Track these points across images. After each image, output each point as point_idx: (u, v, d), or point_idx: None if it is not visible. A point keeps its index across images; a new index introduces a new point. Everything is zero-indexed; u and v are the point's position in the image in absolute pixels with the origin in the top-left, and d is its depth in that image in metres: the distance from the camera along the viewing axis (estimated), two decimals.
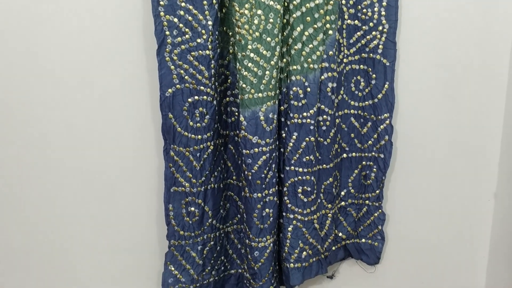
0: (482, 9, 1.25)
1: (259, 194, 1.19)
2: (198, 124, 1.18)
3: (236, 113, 1.23)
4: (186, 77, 1.15)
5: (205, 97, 1.16)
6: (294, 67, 1.15)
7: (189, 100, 1.16)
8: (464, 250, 1.44)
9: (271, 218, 1.21)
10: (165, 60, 1.13)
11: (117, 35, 1.16)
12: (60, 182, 1.25)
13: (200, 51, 1.13)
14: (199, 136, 1.18)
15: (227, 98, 1.23)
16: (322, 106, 1.19)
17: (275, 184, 1.21)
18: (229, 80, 1.22)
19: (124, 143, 1.24)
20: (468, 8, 1.24)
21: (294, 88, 1.17)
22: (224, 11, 1.16)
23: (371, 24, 1.20)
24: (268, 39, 1.11)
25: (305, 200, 1.23)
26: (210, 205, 1.24)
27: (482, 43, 1.27)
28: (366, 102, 1.27)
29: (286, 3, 1.12)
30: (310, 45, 1.14)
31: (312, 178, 1.21)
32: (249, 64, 1.12)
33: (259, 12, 1.09)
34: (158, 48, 1.11)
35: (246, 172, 1.18)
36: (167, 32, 1.11)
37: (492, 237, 1.42)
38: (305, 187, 1.22)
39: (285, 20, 1.14)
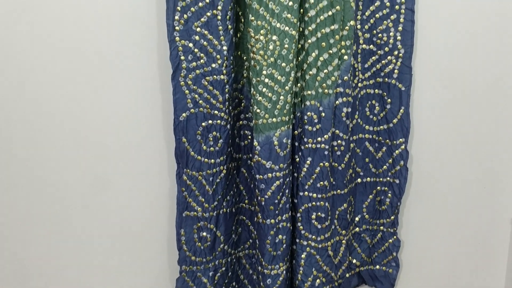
0: (499, 34, 1.23)
1: (272, 220, 1.17)
2: (211, 148, 1.17)
3: (250, 137, 1.22)
4: (200, 101, 1.14)
5: (219, 121, 1.16)
6: (309, 92, 1.14)
7: (203, 124, 1.16)
8: (480, 277, 1.40)
9: (284, 245, 1.19)
10: (179, 85, 1.13)
11: (132, 59, 1.16)
12: (70, 207, 1.24)
13: (214, 76, 1.13)
14: (212, 160, 1.18)
15: (241, 121, 1.23)
16: (337, 131, 1.18)
17: (289, 209, 1.19)
18: (242, 104, 1.21)
19: (137, 167, 1.23)
20: (484, 33, 1.23)
21: (308, 113, 1.16)
22: (238, 35, 1.16)
23: (386, 48, 1.19)
24: (283, 64, 1.10)
25: (319, 226, 1.21)
26: (222, 230, 1.22)
27: (498, 66, 1.25)
28: (381, 127, 1.25)
29: (301, 29, 1.12)
30: (325, 70, 1.13)
31: (326, 204, 1.19)
32: (264, 90, 1.11)
33: (274, 37, 1.09)
34: (173, 73, 1.11)
35: (259, 198, 1.16)
36: (182, 57, 1.11)
37: (508, 265, 1.39)
38: (319, 213, 1.20)
39: (300, 45, 1.13)
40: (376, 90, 1.23)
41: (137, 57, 1.16)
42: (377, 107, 1.24)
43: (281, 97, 1.12)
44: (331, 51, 1.12)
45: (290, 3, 1.07)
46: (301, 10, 1.11)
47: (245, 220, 1.28)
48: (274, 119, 1.13)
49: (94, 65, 1.16)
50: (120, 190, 1.24)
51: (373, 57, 1.21)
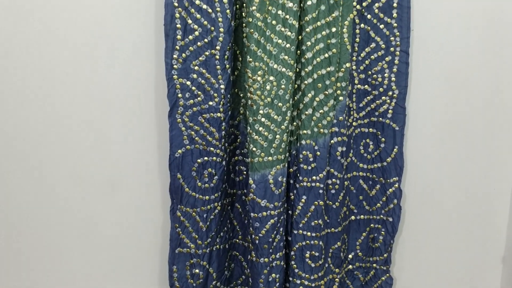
0: (493, 73, 1.25)
1: (266, 259, 1.16)
2: (206, 184, 1.17)
3: (245, 172, 1.22)
4: (196, 138, 1.15)
5: (214, 158, 1.16)
6: (305, 131, 1.15)
7: (199, 160, 1.16)
8: None
9: (278, 284, 1.18)
10: (176, 122, 1.13)
11: (130, 95, 1.18)
12: (65, 234, 1.23)
13: (211, 113, 1.14)
14: (207, 197, 1.17)
15: (236, 157, 1.23)
16: (332, 170, 1.19)
17: (282, 248, 1.19)
18: (238, 140, 1.22)
19: (130, 202, 1.22)
20: (478, 73, 1.25)
21: (304, 152, 1.16)
22: (236, 73, 1.17)
23: (381, 89, 1.21)
24: (280, 104, 1.12)
25: (313, 265, 1.20)
26: (214, 267, 1.21)
27: (491, 108, 1.28)
28: (375, 165, 1.26)
29: (298, 69, 1.14)
30: (321, 111, 1.14)
31: (320, 242, 1.19)
32: (260, 128, 1.12)
33: (272, 78, 1.10)
34: (170, 110, 1.12)
35: (253, 236, 1.16)
36: (180, 95, 1.12)
37: None
38: (313, 252, 1.19)
39: (296, 85, 1.15)
40: (371, 129, 1.25)
41: (135, 94, 1.17)
42: (371, 146, 1.25)
43: (277, 136, 1.13)
44: (327, 92, 1.13)
45: (288, 45, 1.09)
46: (298, 51, 1.13)
47: (238, 255, 1.27)
48: (270, 158, 1.13)
49: (92, 101, 1.17)
50: (113, 225, 1.22)
51: (368, 97, 1.22)
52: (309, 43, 1.10)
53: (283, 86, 1.11)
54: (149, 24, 1.14)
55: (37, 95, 1.19)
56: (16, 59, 1.16)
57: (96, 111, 1.18)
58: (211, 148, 1.15)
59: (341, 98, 1.15)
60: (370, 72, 1.20)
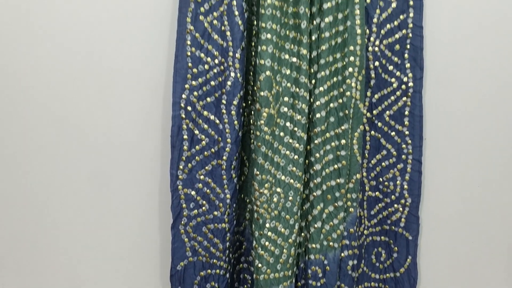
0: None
1: None
2: None
3: (250, 281, 1.16)
4: (199, 249, 1.10)
5: (217, 270, 1.11)
6: (313, 245, 1.10)
7: (201, 273, 1.10)
8: None
9: None
10: (179, 233, 1.09)
11: (132, 216, 1.18)
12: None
13: (216, 224, 1.09)
14: None
15: (241, 265, 1.17)
16: (342, 285, 1.12)
17: None
18: (243, 246, 1.17)
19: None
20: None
21: (312, 267, 1.10)
22: (242, 179, 1.14)
23: (393, 197, 1.16)
24: (287, 217, 1.07)
25: None
26: None
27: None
28: (387, 275, 1.19)
29: (306, 179, 1.11)
30: (331, 223, 1.10)
31: None
32: (266, 243, 1.07)
33: (279, 190, 1.07)
34: (173, 222, 1.08)
35: None
36: (184, 205, 1.09)
37: None
38: None
39: (304, 195, 1.11)
40: (383, 237, 1.19)
41: (137, 208, 1.18)
42: (383, 255, 1.19)
43: (284, 251, 1.08)
44: (336, 204, 1.09)
45: (296, 157, 1.07)
46: (306, 161, 1.10)
47: None
48: (276, 274, 1.07)
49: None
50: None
51: (379, 204, 1.18)
52: (317, 155, 1.08)
53: (290, 198, 1.07)
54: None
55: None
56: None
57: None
58: (215, 260, 1.10)
59: (351, 209, 1.11)
60: (381, 179, 1.16)
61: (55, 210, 1.22)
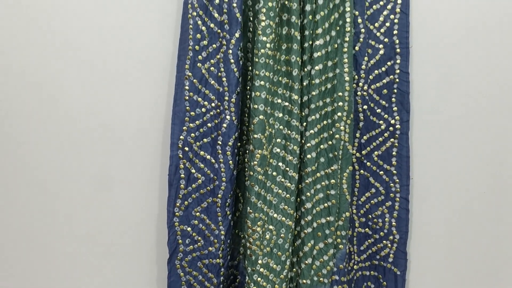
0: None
1: None
2: None
3: None
4: (194, 283, 1.14)
5: None
6: (304, 281, 1.14)
7: None
8: None
9: None
10: (175, 268, 1.14)
11: (129, 253, 1.23)
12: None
13: (210, 259, 1.14)
14: None
15: None
16: None
17: None
18: (237, 280, 1.21)
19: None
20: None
21: None
22: (237, 215, 1.19)
23: (381, 233, 1.21)
24: (279, 253, 1.12)
25: None
26: None
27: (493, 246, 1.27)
28: None
29: (297, 217, 1.15)
30: (321, 259, 1.14)
31: None
32: (259, 279, 1.11)
33: (271, 227, 1.12)
34: (170, 257, 1.13)
35: None
36: (180, 241, 1.13)
37: None
38: None
39: (296, 232, 1.16)
40: (372, 272, 1.23)
41: (135, 243, 1.22)
42: None
43: (276, 286, 1.12)
44: (326, 241, 1.14)
45: (287, 195, 1.12)
46: (298, 199, 1.15)
47: None
48: None
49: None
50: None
51: (368, 240, 1.22)
52: (308, 194, 1.13)
53: (282, 235, 1.12)
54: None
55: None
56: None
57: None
58: None
59: (341, 246, 1.15)
60: (370, 216, 1.21)
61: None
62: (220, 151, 1.12)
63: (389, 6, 1.13)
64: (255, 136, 1.09)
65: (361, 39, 1.13)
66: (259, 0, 1.06)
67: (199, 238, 1.14)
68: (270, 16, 1.05)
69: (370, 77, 1.16)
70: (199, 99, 1.11)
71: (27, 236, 1.27)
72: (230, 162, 1.12)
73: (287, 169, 1.12)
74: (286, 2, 1.08)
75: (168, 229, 1.12)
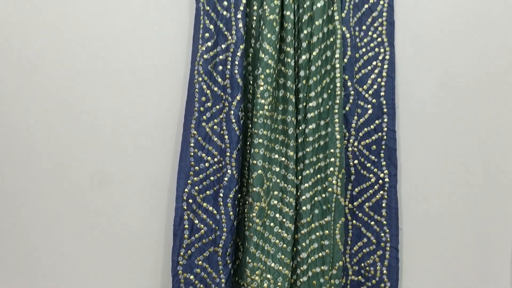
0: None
1: None
2: None
3: None
4: None
5: None
6: None
7: None
8: None
9: None
10: None
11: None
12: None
13: None
14: None
15: None
16: None
17: None
18: None
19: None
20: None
21: None
22: (237, 263, 1.25)
23: (373, 281, 1.27)
24: None
25: None
26: None
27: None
28: None
29: (293, 266, 1.22)
30: None
31: None
32: None
33: (269, 276, 1.18)
34: None
35: None
36: None
37: None
38: None
39: (292, 281, 1.22)
40: None
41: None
42: None
43: None
44: None
45: (284, 245, 1.19)
46: (294, 249, 1.22)
47: None
48: None
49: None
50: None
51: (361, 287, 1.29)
52: (304, 244, 1.20)
53: (279, 284, 1.18)
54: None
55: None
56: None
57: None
58: None
59: None
60: (363, 265, 1.28)
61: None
62: (221, 203, 1.21)
63: (376, 71, 1.25)
64: (254, 189, 1.17)
65: (351, 100, 1.24)
66: (258, 67, 1.18)
67: (201, 286, 1.20)
68: (268, 81, 1.17)
69: (360, 134, 1.26)
70: (203, 154, 1.21)
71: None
72: (231, 213, 1.20)
73: (284, 220, 1.20)
74: (283, 68, 1.20)
75: (172, 277, 1.18)
